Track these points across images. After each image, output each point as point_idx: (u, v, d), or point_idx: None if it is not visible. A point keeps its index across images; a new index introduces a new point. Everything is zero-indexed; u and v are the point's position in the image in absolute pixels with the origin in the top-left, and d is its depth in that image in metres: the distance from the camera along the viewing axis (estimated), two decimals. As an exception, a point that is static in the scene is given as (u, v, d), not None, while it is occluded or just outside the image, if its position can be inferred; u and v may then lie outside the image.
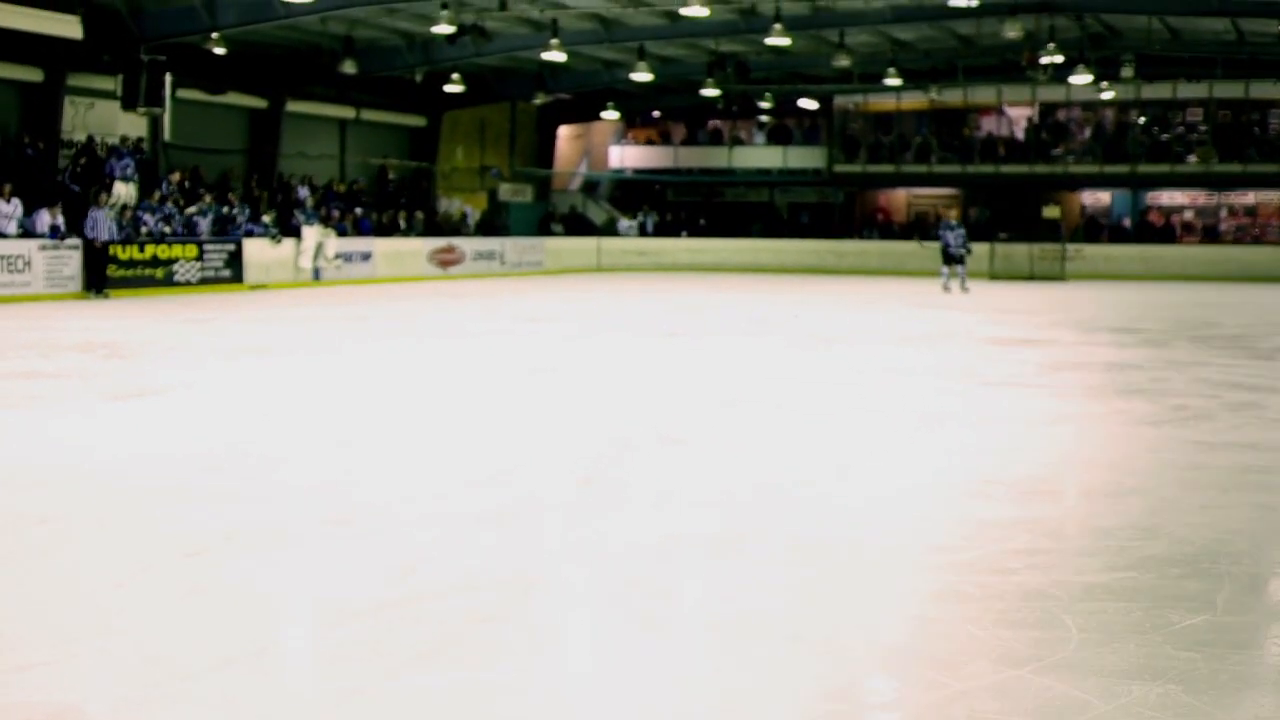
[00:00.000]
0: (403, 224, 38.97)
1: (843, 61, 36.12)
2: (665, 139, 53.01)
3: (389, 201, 40.22)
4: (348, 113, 40.58)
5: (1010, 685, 5.07)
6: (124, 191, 30.55)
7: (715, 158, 51.79)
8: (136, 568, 6.62)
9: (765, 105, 47.14)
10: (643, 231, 48.56)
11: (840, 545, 7.29)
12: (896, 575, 6.78)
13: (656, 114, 52.32)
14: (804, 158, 50.60)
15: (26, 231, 27.42)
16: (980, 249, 39.57)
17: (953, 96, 46.38)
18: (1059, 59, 35.42)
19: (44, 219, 27.73)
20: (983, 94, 47.46)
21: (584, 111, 48.82)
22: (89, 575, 6.50)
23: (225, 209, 32.98)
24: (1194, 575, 6.67)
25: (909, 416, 12.13)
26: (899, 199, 50.55)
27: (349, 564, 6.75)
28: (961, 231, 34.01)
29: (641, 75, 37.45)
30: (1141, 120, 47.01)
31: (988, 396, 13.68)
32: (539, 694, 5.02)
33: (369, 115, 41.21)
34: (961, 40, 38.41)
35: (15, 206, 27.33)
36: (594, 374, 15.34)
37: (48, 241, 27.40)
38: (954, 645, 5.57)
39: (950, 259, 33.55)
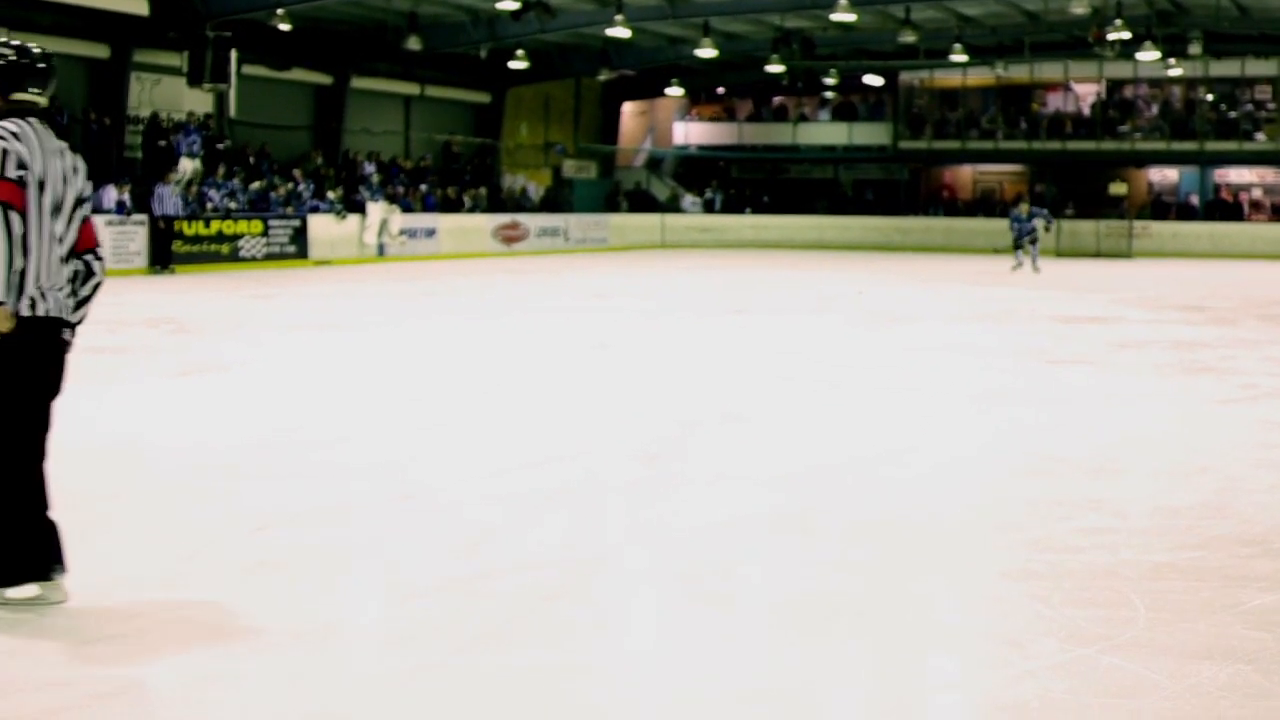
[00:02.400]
0: (467, 200, 39.02)
1: (908, 37, 35.92)
2: (730, 115, 52.87)
3: (453, 178, 40.27)
4: (412, 89, 40.63)
5: (1078, 664, 5.04)
6: (190, 167, 30.70)
7: (780, 134, 51.63)
8: (203, 542, 6.66)
9: (830, 81, 46.94)
10: (707, 208, 48.48)
11: (905, 523, 7.25)
12: (962, 554, 6.74)
13: (721, 90, 52.19)
14: (869, 134, 50.38)
15: (94, 207, 27.55)
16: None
17: (1019, 73, 46.07)
18: (1126, 35, 35.13)
19: (110, 195, 27.90)
20: (1049, 70, 47.10)
21: (648, 88, 48.74)
22: (156, 550, 6.53)
23: (291, 185, 33.10)
24: (1264, 555, 6.61)
25: (974, 394, 12.07)
26: (964, 176, 50.28)
27: (414, 542, 6.76)
28: (1032, 223, 32.73)
29: (706, 51, 37.33)
30: (1209, 97, 46.58)
31: (1053, 374, 13.59)
32: (603, 672, 5.02)
33: (433, 92, 41.26)
34: (1028, 16, 38.14)
35: (82, 182, 27.48)
36: (657, 351, 15.32)
37: (114, 217, 27.57)
38: (1021, 624, 5.53)
39: (1018, 245, 32.86)
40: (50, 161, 5.61)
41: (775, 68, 41.13)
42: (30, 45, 5.85)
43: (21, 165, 5.44)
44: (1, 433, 5.46)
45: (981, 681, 4.97)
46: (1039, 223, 32.49)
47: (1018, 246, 32.56)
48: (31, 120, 5.67)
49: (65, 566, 5.56)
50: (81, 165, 5.86)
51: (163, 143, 30.97)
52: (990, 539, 6.98)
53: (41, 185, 5.53)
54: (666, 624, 5.67)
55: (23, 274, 5.43)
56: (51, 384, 5.63)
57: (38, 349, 5.52)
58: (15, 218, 5.37)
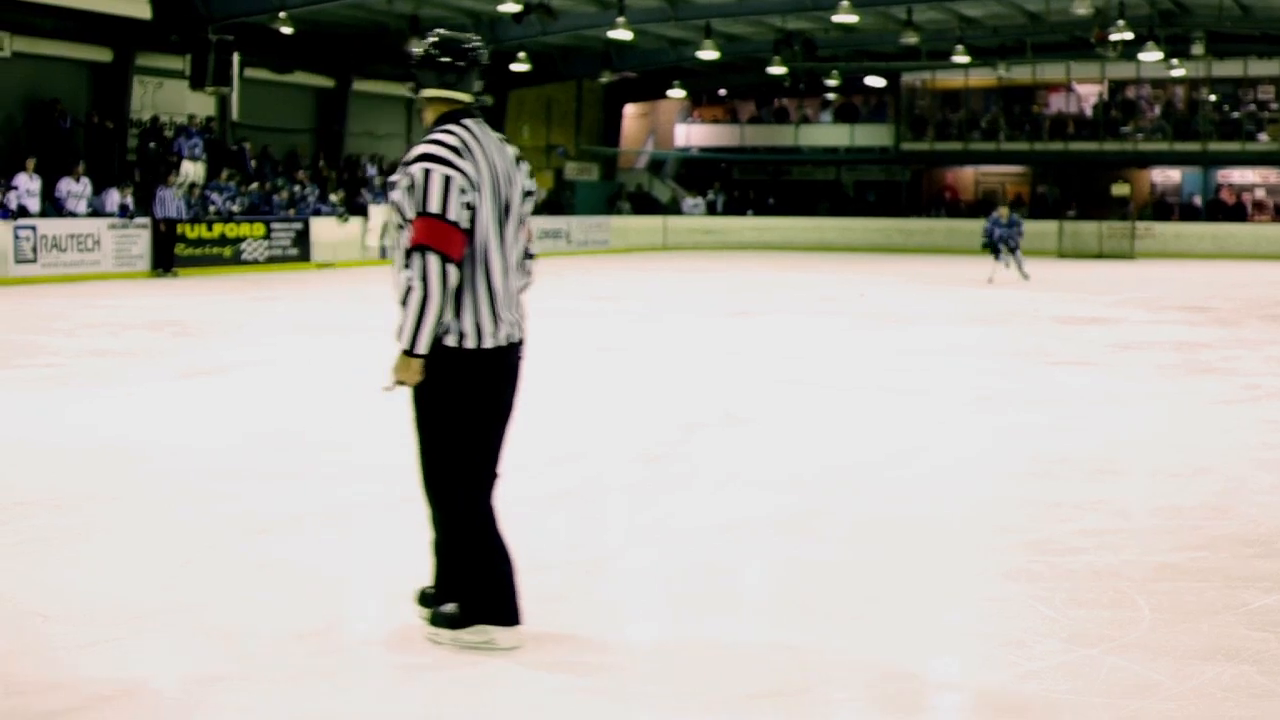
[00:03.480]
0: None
1: (910, 39, 35.90)
2: (731, 117, 52.86)
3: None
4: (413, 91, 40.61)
5: (1082, 665, 5.04)
6: (192, 171, 30.70)
7: (781, 136, 51.63)
8: (204, 545, 6.66)
9: (832, 83, 46.92)
10: (709, 210, 48.48)
11: (908, 525, 7.25)
12: (965, 555, 6.74)
13: (723, 92, 52.19)
14: (871, 136, 50.37)
15: (96, 210, 27.60)
16: (1049, 227, 39.31)
17: (1021, 74, 46.05)
18: (1129, 36, 35.09)
19: (113, 198, 27.90)
20: (1052, 71, 47.06)
21: (650, 90, 48.74)
22: (156, 552, 6.53)
23: (297, 188, 33.11)
24: (1267, 555, 6.61)
25: (976, 396, 12.07)
26: (967, 177, 50.27)
27: (416, 543, 6.75)
28: (1015, 228, 29.15)
29: (708, 53, 37.32)
30: (1212, 98, 46.54)
31: (1055, 376, 13.59)
32: (607, 673, 5.02)
33: (431, 93, 41.23)
34: (1030, 17, 38.11)
35: (85, 186, 27.53)
36: (660, 353, 15.32)
37: (117, 220, 27.56)
38: (1024, 625, 5.53)
39: (996, 251, 29.00)
40: (495, 167, 5.20)
41: (777, 69, 41.11)
42: (458, 38, 5.56)
43: (467, 189, 5.05)
44: (456, 466, 5.26)
45: (985, 682, 4.97)
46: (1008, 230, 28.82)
47: (995, 253, 28.86)
48: (468, 124, 5.31)
49: (521, 616, 5.24)
50: (525, 163, 5.47)
51: (153, 144, 30.96)
52: (993, 540, 6.98)
53: (499, 201, 5.17)
54: (670, 625, 5.67)
55: (471, 307, 5.10)
56: (505, 411, 5.34)
57: (489, 379, 5.20)
58: (453, 270, 4.99)
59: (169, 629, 5.40)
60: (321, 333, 17.13)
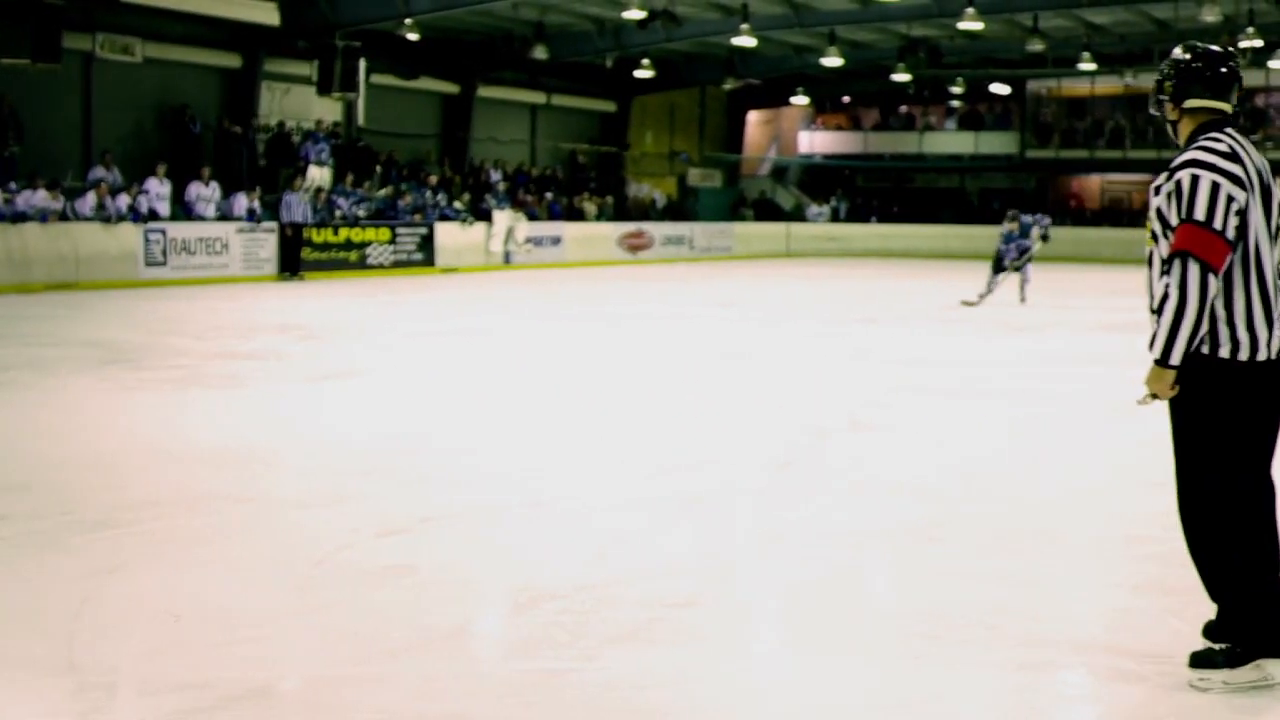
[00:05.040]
0: (592, 209, 39.12)
1: (1036, 46, 35.56)
2: (855, 124, 52.64)
3: (579, 186, 40.39)
4: (538, 98, 40.79)
5: (1222, 682, 4.93)
6: (318, 175, 31.00)
7: (905, 143, 51.33)
8: (334, 547, 6.68)
9: (956, 90, 46.57)
10: (833, 217, 48.29)
11: (1036, 535, 7.15)
12: (1095, 566, 6.65)
13: (846, 99, 51.98)
14: (995, 143, 49.95)
15: (224, 214, 27.94)
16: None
17: (1148, 81, 45.35)
18: (1258, 43, 34.53)
19: (241, 202, 28.22)
20: (1181, 79, 46.35)
21: (774, 97, 48.63)
22: (288, 554, 6.56)
23: (419, 193, 33.34)
24: None
25: (1108, 404, 11.89)
26: (1092, 185, 49.72)
27: (546, 547, 6.75)
28: (1028, 239, 24.01)
29: (832, 60, 37.18)
30: (1344, 105, 45.79)
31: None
32: (732, 679, 4.98)
33: (559, 100, 41.39)
34: (1158, 24, 37.60)
35: (214, 190, 27.87)
36: (786, 359, 15.25)
37: (245, 224, 27.88)
38: (1157, 638, 5.44)
39: (1001, 267, 23.57)
40: (1262, 174, 4.93)
41: (901, 76, 40.87)
42: (1218, 50, 5.19)
43: (1236, 195, 4.81)
44: (1220, 487, 4.93)
45: (1114, 696, 4.88)
46: (1036, 233, 24.08)
47: (1000, 269, 23.39)
48: (1230, 132, 5.00)
49: None
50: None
51: (287, 152, 31.31)
52: (1123, 551, 6.87)
53: (1268, 208, 4.93)
54: (796, 632, 5.62)
55: (1245, 316, 4.84)
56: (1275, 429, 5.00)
57: (1261, 394, 4.89)
58: (1213, 281, 4.75)
59: (299, 630, 5.42)
60: (447, 336, 17.21)
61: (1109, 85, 46.53)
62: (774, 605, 6.05)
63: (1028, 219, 24.23)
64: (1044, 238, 24.06)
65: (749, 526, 7.45)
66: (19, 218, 23.57)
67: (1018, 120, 49.55)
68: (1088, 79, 45.53)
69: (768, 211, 48.15)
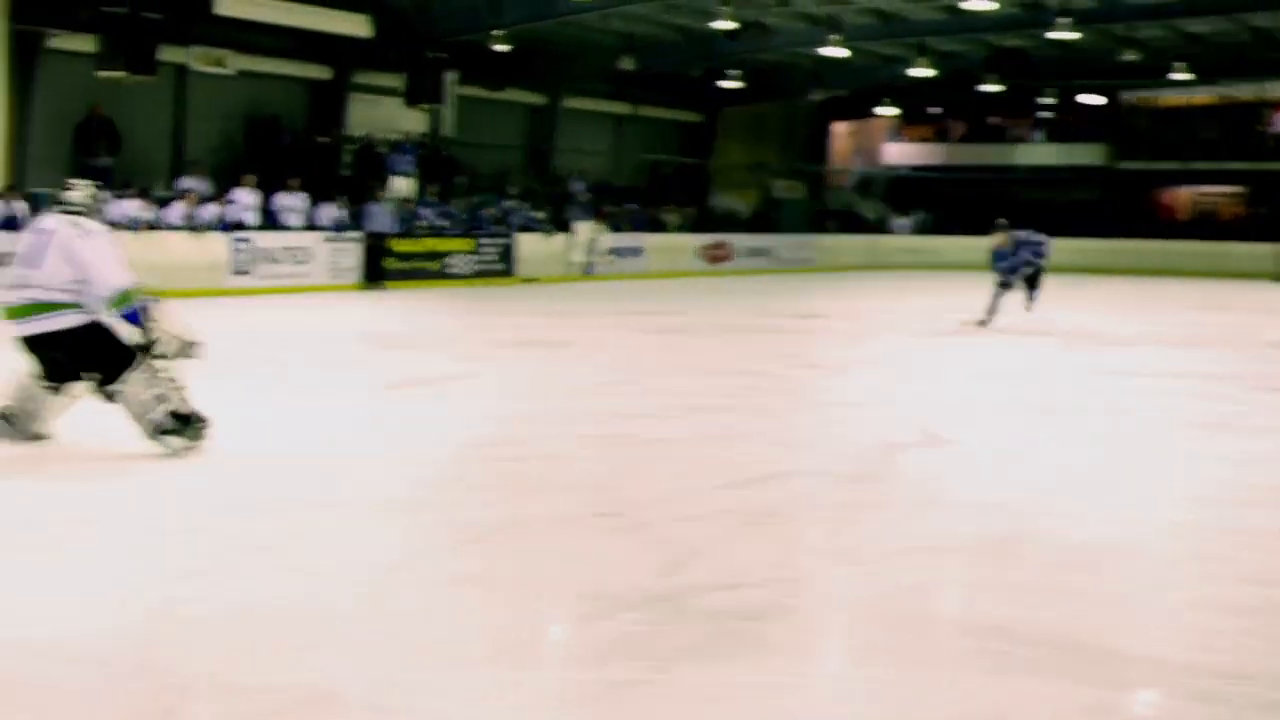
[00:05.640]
0: (674, 220, 39.12)
1: (1129, 56, 35.26)
2: (941, 135, 52.32)
3: (662, 197, 40.40)
4: (624, 109, 40.86)
5: (1297, 702, 4.88)
6: (403, 186, 31.19)
7: (993, 154, 50.95)
8: (411, 554, 6.72)
9: (1046, 101, 46.24)
10: (918, 229, 48.05)
11: (1115, 551, 7.09)
12: (1175, 584, 6.58)
13: (933, 110, 51.72)
14: (1085, 154, 49.50)
15: (310, 224, 28.15)
16: (1264, 249, 38.33)
17: (1244, 92, 44.95)
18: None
19: (326, 212, 28.43)
20: (1277, 90, 45.82)
21: (860, 107, 48.45)
22: (365, 559, 6.61)
23: (506, 203, 33.48)
24: None
25: (1191, 420, 11.79)
26: (1183, 197, 49.19)
27: (619, 557, 6.76)
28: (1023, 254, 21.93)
29: (920, 70, 37.02)
30: None
31: (1273, 403, 13.24)
32: (802, 693, 4.97)
33: (645, 111, 41.45)
34: (1256, 33, 37.16)
35: (301, 200, 28.10)
36: (863, 372, 15.20)
37: (330, 234, 28.08)
38: (1238, 658, 5.37)
39: (1006, 284, 21.45)
40: None
41: (990, 87, 40.65)
42: None
43: None
44: None
45: (1195, 716, 4.83)
46: (1028, 254, 21.95)
47: (1005, 286, 21.32)
48: None
49: None
50: None
51: (366, 160, 31.54)
52: (1202, 570, 6.80)
53: None
54: (867, 647, 5.60)
55: None
56: None
57: None
58: None
59: (372, 636, 5.45)
60: (526, 346, 17.26)
61: (1203, 96, 46.03)
62: (846, 619, 6.03)
63: (1022, 235, 22.12)
64: (1030, 264, 21.67)
65: (821, 540, 7.43)
66: (111, 226, 23.81)
67: (1108, 131, 49.12)
68: (1181, 89, 45.05)
69: (851, 223, 47.96)
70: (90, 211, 9.27)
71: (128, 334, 9.02)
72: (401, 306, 23.77)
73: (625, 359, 16.40)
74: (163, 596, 5.91)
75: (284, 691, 4.79)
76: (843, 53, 35.06)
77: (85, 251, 8.93)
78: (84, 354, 9.00)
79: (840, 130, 51.18)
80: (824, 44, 33.98)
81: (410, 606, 5.86)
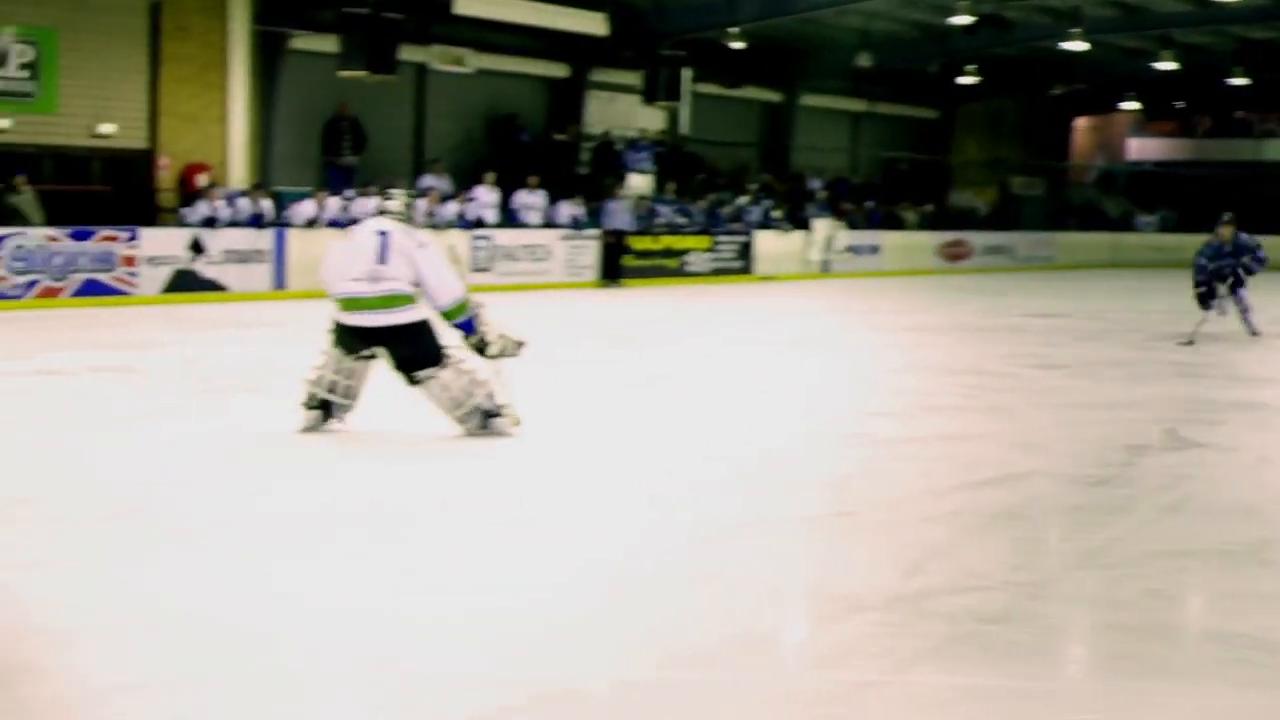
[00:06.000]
0: (912, 217, 38.82)
1: (1392, 45, 34.16)
2: (1187, 130, 51.19)
3: (899, 194, 40.12)
4: (860, 106, 40.65)
5: None
6: (640, 183, 31.39)
7: (1241, 150, 49.69)
8: (649, 551, 6.76)
9: (1296, 94, 44.99)
10: (1162, 226, 47.06)
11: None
12: None
13: (1178, 104, 50.61)
14: (1339, 148, 48.12)
15: (549, 222, 28.47)
16: None
17: None
18: None
19: (565, 210, 28.72)
20: None
21: (1101, 102, 47.61)
22: (603, 557, 6.67)
23: (742, 200, 33.52)
24: None
25: None
26: None
27: (857, 557, 6.74)
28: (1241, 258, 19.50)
29: (1165, 64, 36.25)
30: None
31: None
32: (1042, 698, 4.91)
33: (881, 108, 41.19)
34: None
35: (539, 198, 28.43)
36: (1106, 371, 14.92)
37: (568, 231, 28.37)
38: None
39: (1210, 294, 19.13)
40: None
41: (1237, 80, 39.67)
42: None
43: None
44: None
45: None
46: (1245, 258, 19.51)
47: (1210, 296, 19.01)
48: None
49: None
50: None
51: (610, 159, 31.78)
52: None
53: None
54: (1111, 653, 5.52)
55: None
56: None
57: None
58: None
59: (610, 632, 5.50)
60: (764, 344, 17.26)
61: None
62: (1088, 624, 5.95)
63: (1246, 239, 19.75)
64: (1248, 269, 19.42)
65: (1062, 543, 7.33)
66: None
67: (1365, 124, 47.67)
68: None
69: (1093, 220, 47.12)
70: (408, 219, 9.74)
71: (458, 339, 9.74)
72: (639, 304, 23.94)
73: (862, 357, 16.32)
74: (400, 590, 6.04)
75: (526, 687, 4.85)
76: (1083, 46, 34.45)
77: (422, 261, 9.59)
78: (417, 346, 9.64)
79: (1081, 125, 50.36)
80: (1064, 38, 33.43)
81: (650, 604, 5.90)
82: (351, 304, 9.65)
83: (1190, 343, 17.51)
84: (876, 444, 10.16)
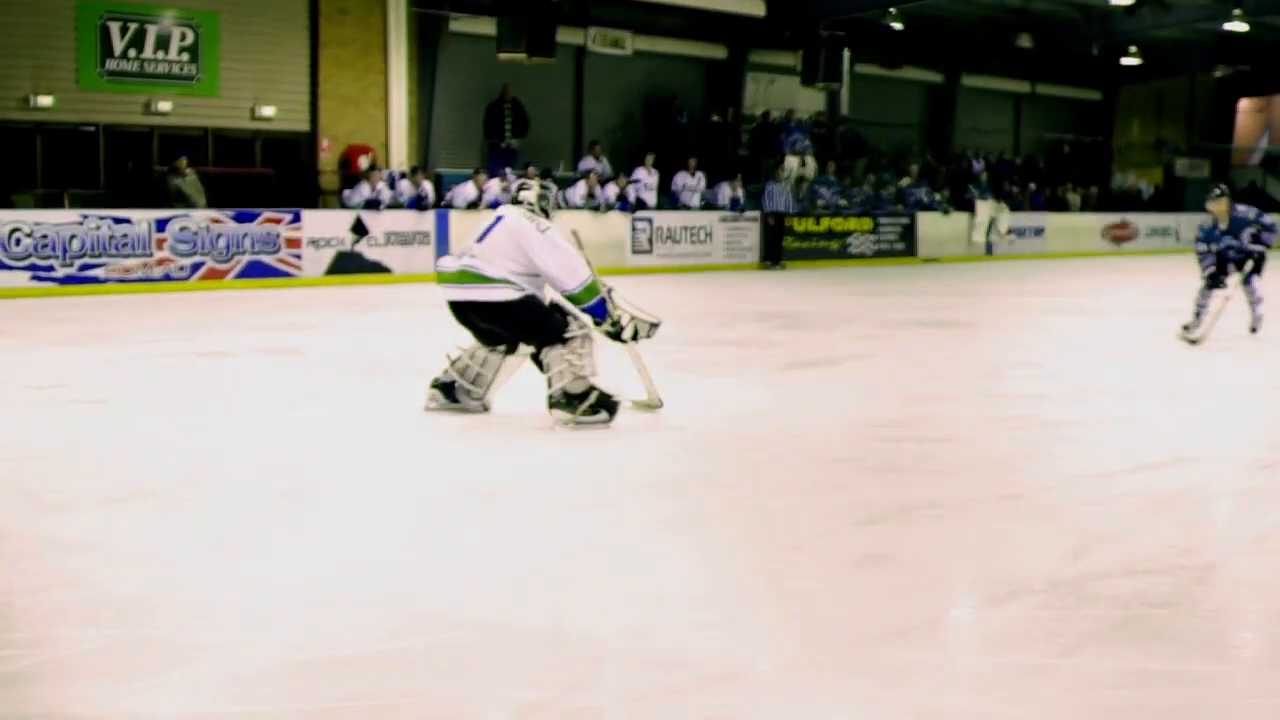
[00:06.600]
0: (1075, 199, 38.38)
1: None
2: (1356, 110, 50.14)
3: (1062, 176, 39.68)
4: (1022, 87, 40.25)
5: None
6: (797, 165, 31.34)
7: None
8: (813, 534, 6.77)
9: None
10: (1329, 207, 46.15)
11: None
12: None
13: (1346, 84, 49.52)
14: None
15: (708, 204, 28.52)
16: None
17: None
18: None
19: (724, 192, 28.76)
20: None
21: (1266, 83, 46.69)
22: (765, 539, 6.69)
23: (904, 182, 33.35)
24: None
25: None
26: None
27: (1021, 540, 6.70)
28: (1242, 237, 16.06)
29: (1335, 42, 35.58)
30: None
31: None
32: (1210, 684, 4.84)
33: (1043, 89, 40.75)
34: None
35: (699, 179, 28.49)
36: (1269, 355, 14.64)
37: (727, 214, 28.41)
38: None
39: (1216, 282, 15.84)
40: None
41: None
42: None
43: None
44: None
45: None
46: (1249, 235, 16.03)
47: (1214, 285, 15.75)
48: None
49: None
50: None
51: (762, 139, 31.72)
52: None
53: None
54: (1278, 638, 5.46)
55: None
56: None
57: None
58: None
59: (773, 615, 5.51)
60: (927, 327, 17.17)
61: None
62: (1257, 610, 5.87)
63: (1243, 211, 16.52)
64: (1262, 242, 16.04)
65: (1229, 527, 7.24)
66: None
67: None
68: None
69: (1257, 202, 45.84)
70: (541, 210, 9.72)
71: (590, 323, 9.59)
72: (800, 286, 23.90)
73: (1025, 340, 16.18)
74: (571, 572, 6.09)
75: (691, 668, 4.88)
76: (1243, 27, 33.83)
77: (537, 248, 9.44)
78: (516, 327, 9.59)
79: (1245, 107, 49.43)
80: (1225, 19, 32.86)
81: (812, 587, 5.90)
82: (438, 278, 9.84)
83: (1195, 341, 15.19)
84: (1039, 426, 10.08)
